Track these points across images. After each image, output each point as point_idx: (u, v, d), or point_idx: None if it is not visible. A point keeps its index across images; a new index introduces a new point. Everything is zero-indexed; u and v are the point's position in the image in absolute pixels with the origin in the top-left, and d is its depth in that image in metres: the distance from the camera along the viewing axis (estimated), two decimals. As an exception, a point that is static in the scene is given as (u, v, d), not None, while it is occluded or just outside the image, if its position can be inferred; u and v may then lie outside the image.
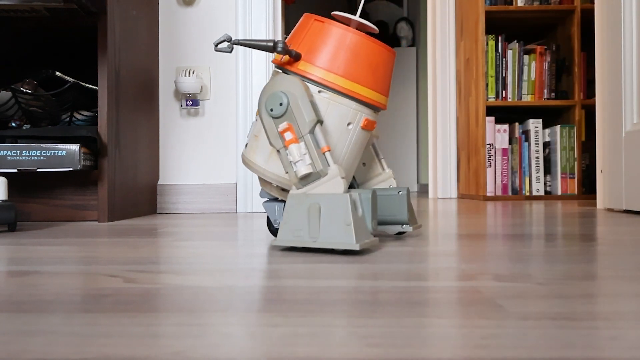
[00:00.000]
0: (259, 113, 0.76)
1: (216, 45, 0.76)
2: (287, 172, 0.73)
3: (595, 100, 2.49)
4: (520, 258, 0.64)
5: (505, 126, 2.57)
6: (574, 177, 2.52)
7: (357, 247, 0.65)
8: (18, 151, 1.23)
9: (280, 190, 0.81)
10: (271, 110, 0.73)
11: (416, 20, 4.59)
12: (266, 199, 0.86)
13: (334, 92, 0.74)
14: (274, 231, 0.85)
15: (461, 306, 0.40)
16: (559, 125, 2.52)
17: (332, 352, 0.30)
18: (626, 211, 1.56)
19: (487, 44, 2.58)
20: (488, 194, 2.53)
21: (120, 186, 1.41)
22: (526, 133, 2.59)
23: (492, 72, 2.58)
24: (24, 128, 1.38)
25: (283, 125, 0.72)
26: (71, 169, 1.24)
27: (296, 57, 0.75)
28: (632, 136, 1.49)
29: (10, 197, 1.34)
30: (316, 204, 0.69)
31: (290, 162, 0.72)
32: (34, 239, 0.91)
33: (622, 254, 0.67)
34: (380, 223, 0.88)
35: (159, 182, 1.74)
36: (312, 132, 0.72)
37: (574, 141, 2.53)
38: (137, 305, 0.41)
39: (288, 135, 0.72)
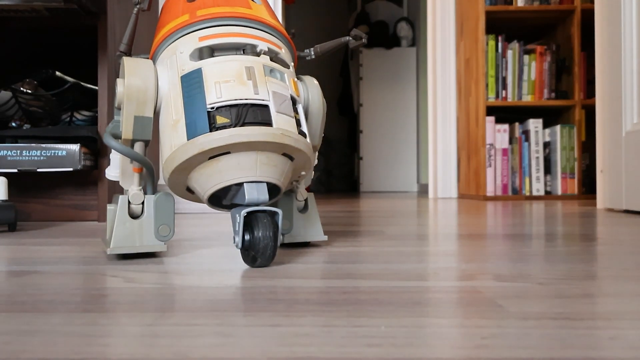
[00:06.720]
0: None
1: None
2: None
3: (595, 100, 2.49)
4: (521, 258, 0.64)
5: (506, 126, 2.56)
6: (574, 177, 2.52)
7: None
8: (18, 151, 1.23)
9: None
10: None
11: (416, 20, 4.58)
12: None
13: None
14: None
15: (461, 306, 0.40)
16: (559, 125, 2.52)
17: (332, 352, 0.30)
18: (626, 211, 1.56)
19: (487, 44, 2.58)
20: (488, 194, 2.53)
21: (120, 186, 1.40)
22: (526, 133, 2.59)
23: (492, 72, 2.58)
24: (24, 128, 1.38)
25: None
26: (71, 169, 1.24)
27: None
28: (632, 136, 1.49)
29: (10, 197, 1.34)
30: None
31: None
32: (34, 239, 0.91)
33: (622, 254, 0.67)
34: None
35: (159, 182, 1.74)
36: None
37: (574, 141, 2.53)
38: (137, 305, 0.41)
39: None
